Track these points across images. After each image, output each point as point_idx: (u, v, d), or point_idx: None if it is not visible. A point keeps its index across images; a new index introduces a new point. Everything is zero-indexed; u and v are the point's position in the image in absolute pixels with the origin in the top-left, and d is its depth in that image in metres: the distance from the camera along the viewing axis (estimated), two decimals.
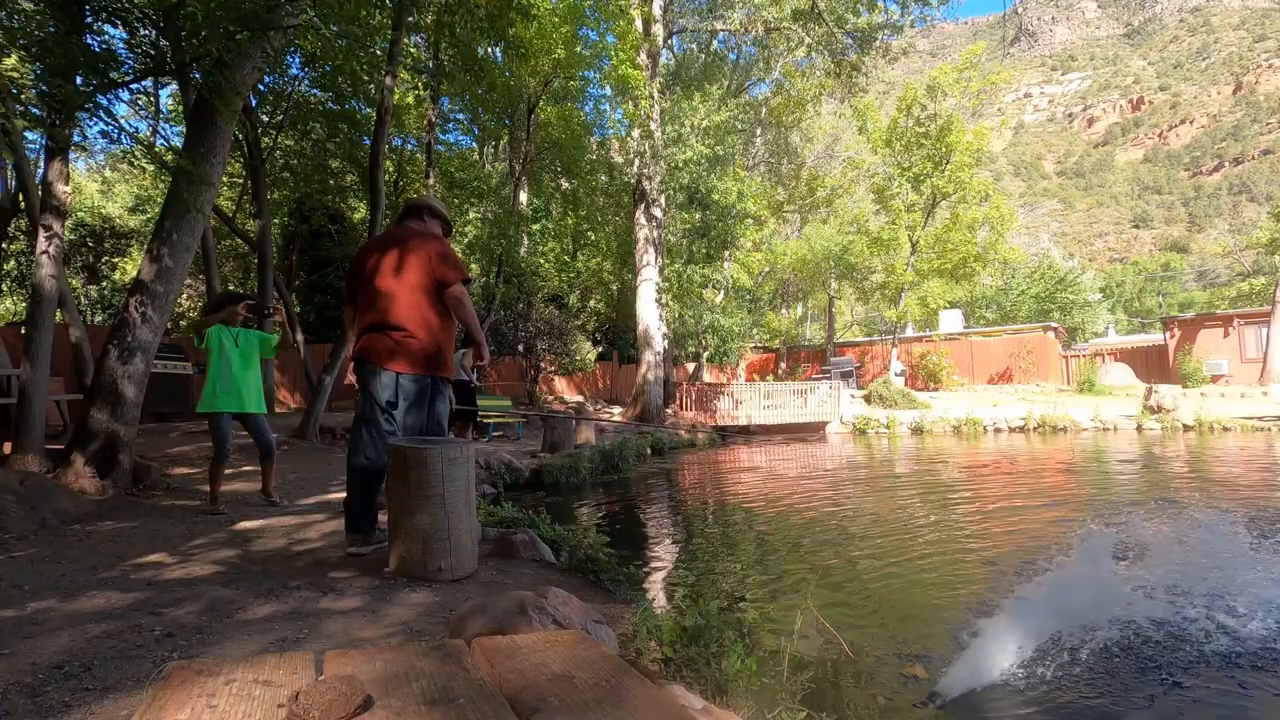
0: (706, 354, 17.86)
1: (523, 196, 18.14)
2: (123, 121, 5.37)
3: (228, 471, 6.24)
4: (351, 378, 3.28)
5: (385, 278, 3.11)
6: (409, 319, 3.08)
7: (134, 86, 5.46)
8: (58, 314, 5.53)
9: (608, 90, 18.21)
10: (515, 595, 2.17)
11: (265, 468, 4.74)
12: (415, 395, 3.14)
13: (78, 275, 17.34)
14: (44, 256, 5.04)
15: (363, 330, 3.17)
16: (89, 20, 4.97)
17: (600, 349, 25.10)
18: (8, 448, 5.00)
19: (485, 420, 11.34)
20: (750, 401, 16.78)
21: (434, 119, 14.20)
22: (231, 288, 19.91)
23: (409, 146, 17.36)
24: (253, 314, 4.57)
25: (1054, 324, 26.78)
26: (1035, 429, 15.30)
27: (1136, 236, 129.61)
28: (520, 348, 17.06)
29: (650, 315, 15.30)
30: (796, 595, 3.72)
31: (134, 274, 5.63)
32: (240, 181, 15.80)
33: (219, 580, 2.85)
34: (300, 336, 14.25)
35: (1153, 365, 22.89)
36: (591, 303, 25.95)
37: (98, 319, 17.60)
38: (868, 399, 18.30)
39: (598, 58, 17.80)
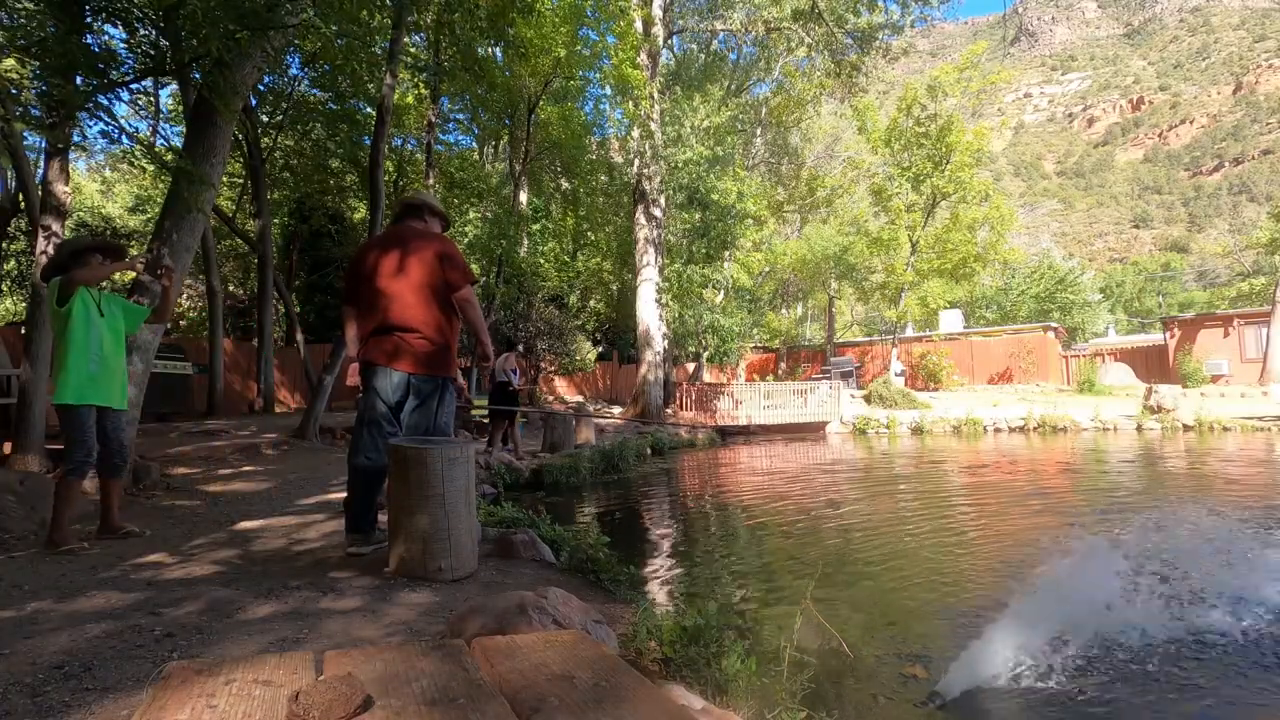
0: (706, 354, 17.86)
1: (523, 196, 18.15)
2: (123, 121, 5.38)
3: (224, 472, 6.25)
4: (355, 379, 3.27)
5: (390, 278, 3.10)
6: (417, 319, 3.07)
7: (134, 86, 5.46)
8: None
9: (608, 90, 18.23)
10: (515, 595, 2.17)
11: (111, 486, 3.57)
12: (425, 396, 3.13)
13: (140, 274, 17.34)
14: (44, 256, 5.04)
15: (369, 332, 3.15)
16: (89, 20, 4.97)
17: (600, 349, 25.11)
18: (8, 448, 5.00)
19: (485, 420, 11.35)
20: (750, 401, 16.77)
21: (434, 119, 14.20)
22: (232, 287, 19.90)
23: (409, 146, 17.36)
24: (145, 272, 3.71)
25: (1054, 324, 26.77)
26: (1035, 429, 15.30)
27: (1136, 236, 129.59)
28: (520, 348, 17.07)
29: (650, 315, 15.30)
30: (796, 595, 3.72)
31: (133, 274, 5.63)
32: (240, 181, 15.81)
33: (219, 580, 2.85)
34: (300, 336, 14.27)
35: (1153, 365, 22.88)
36: (591, 303, 25.96)
37: None
38: (868, 399, 18.30)
39: (598, 58, 17.80)
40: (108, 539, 3.55)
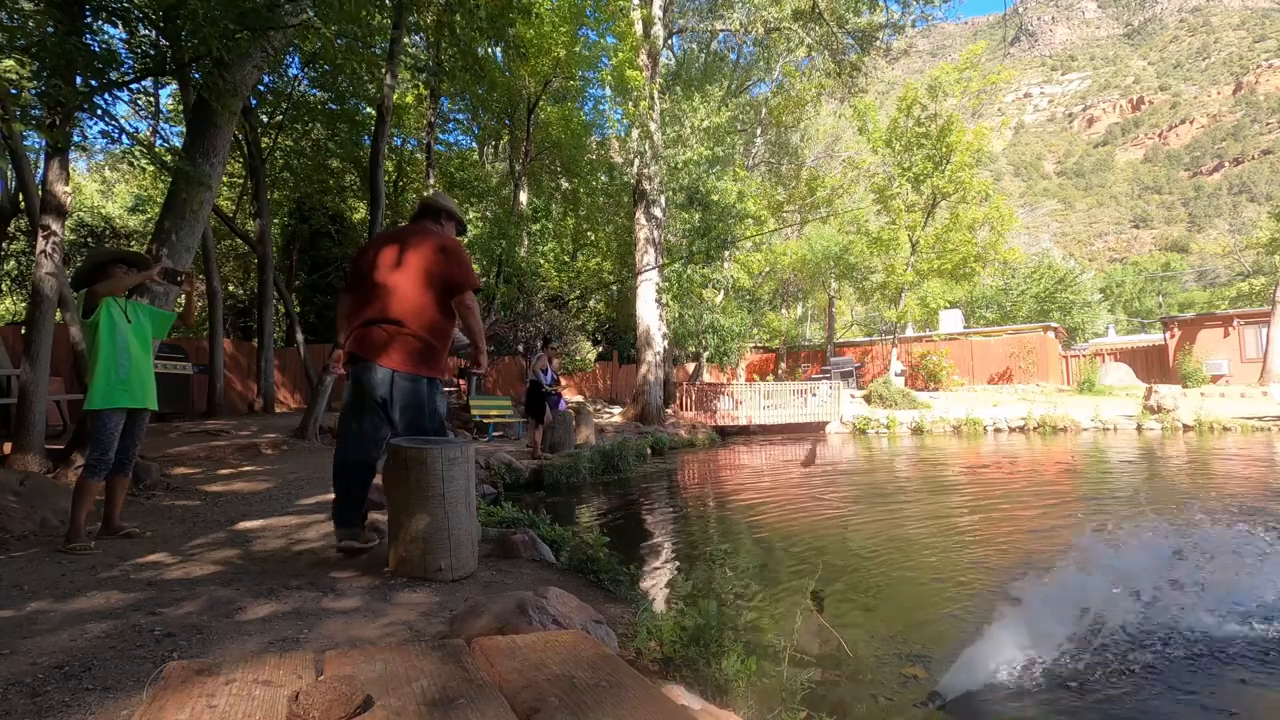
0: (706, 354, 17.86)
1: (523, 196, 18.15)
2: (123, 121, 5.38)
3: (224, 472, 6.25)
4: (341, 369, 3.21)
5: (390, 272, 3.05)
6: (408, 314, 3.01)
7: (134, 86, 5.47)
8: (57, 314, 5.52)
9: (607, 90, 18.22)
10: (515, 595, 2.17)
11: (120, 485, 3.67)
12: (409, 394, 3.04)
13: (160, 282, 17.32)
14: (44, 256, 5.04)
15: (360, 324, 3.09)
16: (89, 20, 4.97)
17: (600, 349, 25.11)
18: (8, 448, 5.00)
19: (485, 420, 11.35)
20: (750, 401, 16.78)
21: (434, 119, 14.20)
22: (232, 287, 19.89)
23: (409, 146, 17.36)
24: (164, 280, 3.80)
25: (1054, 324, 26.75)
26: (1035, 429, 15.30)
27: (1136, 236, 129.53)
28: (520, 348, 17.06)
29: (650, 315, 15.31)
30: (796, 595, 3.72)
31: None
32: (240, 181, 15.81)
33: (219, 580, 2.84)
34: (300, 336, 14.26)
35: (1153, 365, 22.88)
36: (591, 303, 25.94)
37: None
38: (868, 399, 18.31)
39: (598, 58, 17.80)
40: (107, 538, 3.56)
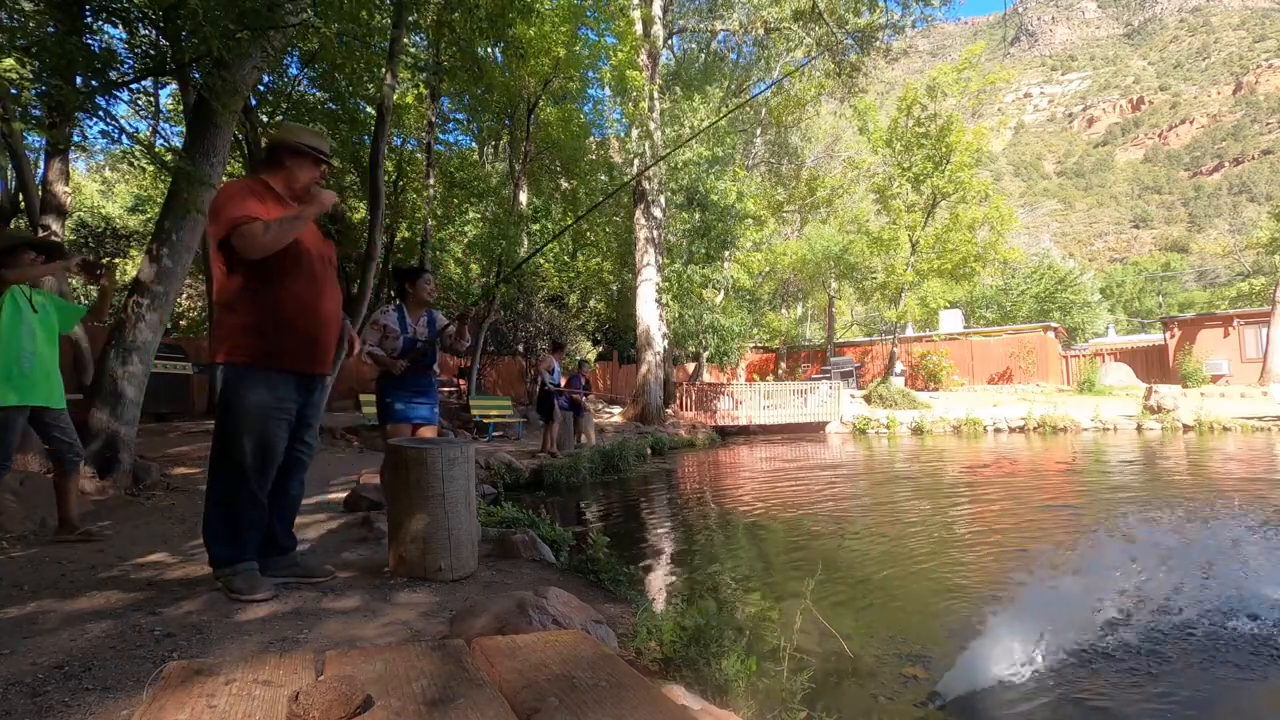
0: (706, 354, 17.87)
1: (523, 196, 18.14)
2: (123, 121, 5.38)
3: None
4: None
5: None
6: (216, 298, 2.58)
7: (134, 86, 5.46)
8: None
9: (607, 90, 18.22)
10: (515, 595, 2.17)
11: (68, 483, 3.44)
12: (221, 389, 2.56)
13: (77, 275, 17.32)
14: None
15: None
16: (89, 20, 4.97)
17: (600, 349, 25.11)
18: None
19: (485, 420, 11.35)
20: (750, 401, 16.78)
21: (434, 119, 14.20)
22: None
23: (409, 146, 17.35)
24: (82, 271, 3.41)
25: (1054, 324, 26.75)
26: (1035, 429, 15.30)
27: (1136, 236, 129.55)
28: (520, 348, 17.06)
29: (651, 315, 15.31)
30: (796, 595, 3.72)
31: (134, 274, 5.61)
32: None
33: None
34: None
35: (1153, 365, 22.88)
36: (591, 303, 25.93)
37: None
38: (868, 399, 18.31)
39: (597, 58, 17.78)
40: (65, 539, 3.43)
